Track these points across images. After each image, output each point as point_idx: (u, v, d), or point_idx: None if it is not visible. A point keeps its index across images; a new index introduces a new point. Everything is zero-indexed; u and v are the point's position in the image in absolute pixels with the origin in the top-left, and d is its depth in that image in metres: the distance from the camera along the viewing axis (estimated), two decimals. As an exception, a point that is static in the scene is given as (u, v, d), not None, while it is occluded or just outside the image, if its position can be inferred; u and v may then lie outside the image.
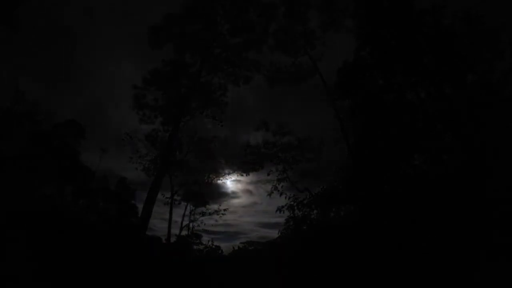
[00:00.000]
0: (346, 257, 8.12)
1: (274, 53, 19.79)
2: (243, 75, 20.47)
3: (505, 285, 5.33)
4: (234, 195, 35.34)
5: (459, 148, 9.08)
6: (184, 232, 25.40)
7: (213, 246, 22.75)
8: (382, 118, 10.11)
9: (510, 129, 8.45)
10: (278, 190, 15.76)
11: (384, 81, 10.98)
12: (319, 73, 17.94)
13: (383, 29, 11.07)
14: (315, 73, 18.46)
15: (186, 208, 26.12)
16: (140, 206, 19.97)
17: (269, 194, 16.11)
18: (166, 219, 22.76)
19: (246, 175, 21.65)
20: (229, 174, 24.51)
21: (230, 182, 26.83)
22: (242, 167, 20.72)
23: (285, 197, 13.14)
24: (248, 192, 35.58)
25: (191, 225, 26.53)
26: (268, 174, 17.47)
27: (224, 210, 26.68)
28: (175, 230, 24.34)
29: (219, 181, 25.68)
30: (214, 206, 26.87)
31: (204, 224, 26.44)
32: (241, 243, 25.98)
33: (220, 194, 29.45)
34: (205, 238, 25.53)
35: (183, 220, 25.52)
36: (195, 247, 24.23)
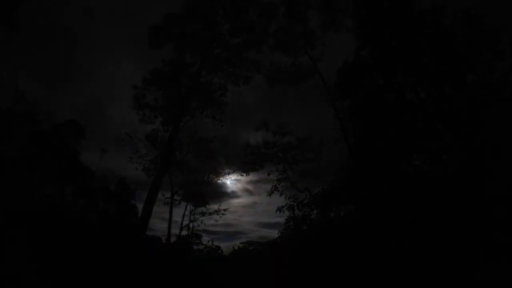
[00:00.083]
0: (346, 257, 8.12)
1: (274, 53, 19.81)
2: (243, 75, 20.47)
3: (505, 285, 5.33)
4: (234, 195, 35.33)
5: (459, 148, 9.08)
6: (184, 232, 25.44)
7: (213, 246, 22.79)
8: (382, 118, 10.11)
9: (510, 129, 8.44)
10: (278, 190, 15.75)
11: (384, 81, 10.97)
12: (319, 73, 17.94)
13: (383, 29, 11.07)
14: (315, 73, 18.46)
15: (186, 208, 26.15)
16: (140, 206, 19.97)
17: (269, 194, 16.10)
18: (166, 219, 22.77)
19: (246, 175, 21.67)
20: (229, 174, 24.52)
21: (230, 182, 26.81)
22: (242, 167, 20.71)
23: (285, 197, 13.14)
24: (248, 192, 35.59)
25: (191, 225, 26.56)
26: (268, 174, 17.47)
27: (224, 210, 26.72)
28: (175, 230, 24.37)
29: (219, 181, 25.70)
30: (214, 206, 26.92)
31: (204, 224, 26.49)
32: (241, 243, 26.01)
33: (220, 194, 29.47)
34: (205, 238, 25.60)
35: (183, 220, 25.55)
36: (195, 247, 24.27)
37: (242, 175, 22.51)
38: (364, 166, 10.41)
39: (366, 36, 11.52)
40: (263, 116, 19.58)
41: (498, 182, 6.93)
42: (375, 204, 9.07)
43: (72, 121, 21.56)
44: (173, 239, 22.96)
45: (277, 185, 16.48)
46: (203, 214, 26.66)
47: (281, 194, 14.67)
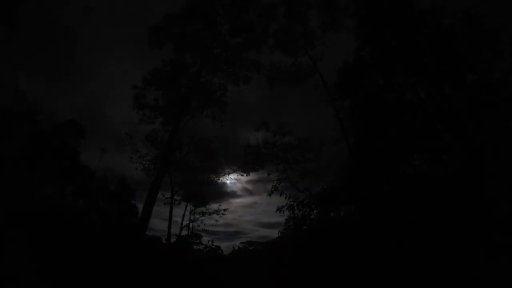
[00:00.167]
0: (346, 257, 8.12)
1: (274, 53, 19.84)
2: (243, 75, 20.48)
3: (505, 285, 5.33)
4: (234, 194, 35.37)
5: (459, 148, 9.08)
6: (184, 232, 25.42)
7: (213, 246, 22.79)
8: (382, 118, 10.11)
9: (510, 129, 8.45)
10: (278, 190, 15.76)
11: (384, 81, 10.97)
12: (319, 73, 17.96)
13: (383, 29, 11.07)
14: (315, 73, 18.47)
15: (186, 208, 26.13)
16: (140, 206, 19.96)
17: (269, 194, 16.11)
18: (166, 219, 22.77)
19: (246, 175, 21.70)
20: (229, 174, 24.57)
21: (230, 182, 26.87)
22: (242, 167, 20.76)
23: (285, 197, 13.13)
24: (248, 191, 35.62)
25: (191, 225, 26.54)
26: (269, 174, 17.50)
27: (224, 210, 26.73)
28: (175, 230, 24.36)
29: (219, 181, 25.73)
30: (214, 206, 26.91)
31: (204, 224, 26.47)
32: (241, 243, 26.02)
33: (220, 194, 29.50)
34: (205, 238, 25.56)
35: (183, 220, 25.53)
36: (195, 247, 24.24)
37: (242, 175, 22.57)
38: (364, 166, 10.40)
39: (366, 36, 11.52)
40: (263, 116, 19.59)
41: (498, 182, 6.93)
42: (375, 204, 9.07)
43: (72, 121, 21.53)
44: (173, 239, 22.99)
45: (277, 185, 16.52)
46: (203, 214, 26.66)
47: (281, 194, 14.67)
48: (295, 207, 11.74)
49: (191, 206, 26.83)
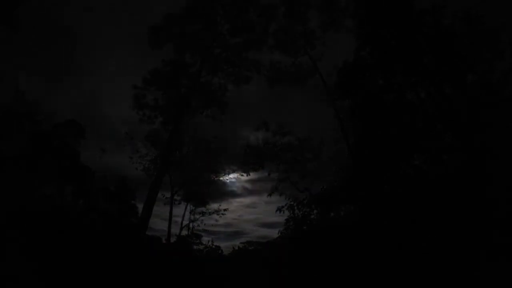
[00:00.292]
0: (346, 257, 8.12)
1: (274, 53, 19.83)
2: (243, 75, 20.47)
3: (505, 285, 5.33)
4: (234, 194, 35.32)
5: (459, 148, 9.08)
6: (184, 232, 25.40)
7: (213, 246, 22.84)
8: (382, 118, 10.10)
9: (510, 129, 8.44)
10: (278, 190, 15.78)
11: (384, 81, 10.97)
12: (319, 73, 17.94)
13: (383, 29, 11.06)
14: (315, 73, 18.46)
15: (186, 208, 26.12)
16: (140, 206, 19.95)
17: (270, 194, 16.13)
18: (166, 219, 22.80)
19: (246, 175, 21.70)
20: (229, 174, 24.57)
21: (230, 182, 26.88)
22: (242, 167, 20.75)
23: (285, 197, 13.15)
24: (248, 191, 35.62)
25: (191, 225, 26.51)
26: (269, 174, 17.52)
27: (224, 209, 26.72)
28: (175, 230, 24.34)
29: (219, 181, 25.74)
30: (214, 206, 26.89)
31: (204, 224, 26.44)
32: (241, 243, 26.07)
33: (220, 193, 29.42)
34: (205, 238, 25.55)
35: (183, 220, 25.52)
36: (195, 247, 24.23)
37: (242, 175, 22.57)
38: (364, 166, 10.40)
39: (366, 36, 11.51)
40: (263, 116, 19.54)
41: (498, 182, 6.93)
42: (375, 204, 9.07)
43: (72, 121, 21.49)
44: (173, 239, 22.99)
45: (277, 185, 16.53)
46: (203, 214, 26.63)
47: (281, 194, 14.70)
48: (295, 207, 11.75)
49: (191, 206, 26.82)
